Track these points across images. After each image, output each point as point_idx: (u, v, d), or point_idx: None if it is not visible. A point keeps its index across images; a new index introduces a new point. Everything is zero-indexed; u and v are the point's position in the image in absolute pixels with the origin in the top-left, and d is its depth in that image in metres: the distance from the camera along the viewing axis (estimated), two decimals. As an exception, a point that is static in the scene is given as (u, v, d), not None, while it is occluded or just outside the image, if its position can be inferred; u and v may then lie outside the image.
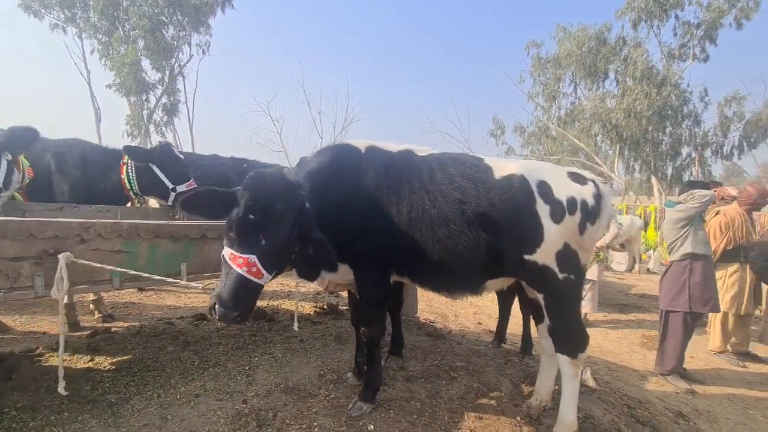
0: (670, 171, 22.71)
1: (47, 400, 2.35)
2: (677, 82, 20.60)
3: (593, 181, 2.48)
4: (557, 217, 2.30)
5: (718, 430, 3.44)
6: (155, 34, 19.70)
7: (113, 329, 3.60)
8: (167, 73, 20.96)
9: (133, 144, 3.65)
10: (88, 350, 3.05)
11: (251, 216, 1.82)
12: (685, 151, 22.24)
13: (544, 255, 2.31)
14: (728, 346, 5.01)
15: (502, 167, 2.43)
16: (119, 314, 4.19)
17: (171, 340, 3.36)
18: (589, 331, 2.49)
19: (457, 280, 2.43)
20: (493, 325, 5.44)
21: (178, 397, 2.51)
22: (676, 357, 4.09)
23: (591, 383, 3.35)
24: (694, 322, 4.17)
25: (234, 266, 1.82)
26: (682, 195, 4.15)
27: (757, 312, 5.39)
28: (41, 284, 1.93)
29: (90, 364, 2.85)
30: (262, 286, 1.94)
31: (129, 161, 3.48)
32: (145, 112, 20.57)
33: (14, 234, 1.83)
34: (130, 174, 3.47)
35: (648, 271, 11.37)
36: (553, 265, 2.32)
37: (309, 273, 2.56)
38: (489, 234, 2.29)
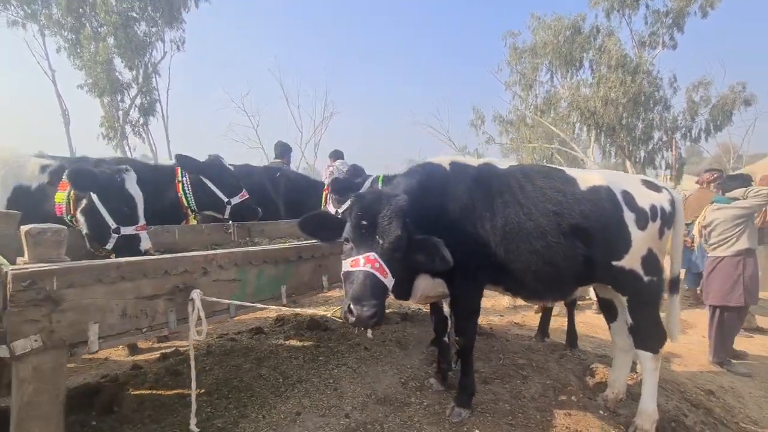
0: (642, 155, 23.77)
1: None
2: (649, 69, 21.51)
3: (666, 188, 2.66)
4: (642, 224, 2.48)
5: (745, 405, 3.77)
6: (126, 30, 18.71)
7: (182, 349, 3.54)
8: (141, 71, 19.98)
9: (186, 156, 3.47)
10: (168, 374, 3.01)
11: (364, 222, 1.97)
12: (656, 135, 23.31)
13: (631, 260, 2.48)
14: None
15: (586, 178, 2.57)
16: (171, 334, 4.10)
17: (243, 357, 3.34)
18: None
19: (552, 289, 2.56)
20: (514, 316, 5.80)
21: (282, 416, 2.53)
22: (729, 347, 4.43)
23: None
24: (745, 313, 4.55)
25: (358, 268, 1.91)
26: (738, 191, 4.28)
27: None
28: (174, 319, 1.93)
29: (177, 390, 2.83)
30: (388, 289, 2.00)
31: (183, 179, 3.42)
32: (120, 112, 19.59)
33: (152, 273, 1.82)
34: (187, 191, 3.42)
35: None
36: (639, 270, 2.50)
37: (402, 291, 2.63)
38: (583, 243, 2.43)
